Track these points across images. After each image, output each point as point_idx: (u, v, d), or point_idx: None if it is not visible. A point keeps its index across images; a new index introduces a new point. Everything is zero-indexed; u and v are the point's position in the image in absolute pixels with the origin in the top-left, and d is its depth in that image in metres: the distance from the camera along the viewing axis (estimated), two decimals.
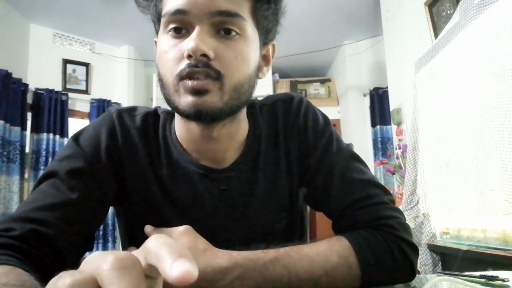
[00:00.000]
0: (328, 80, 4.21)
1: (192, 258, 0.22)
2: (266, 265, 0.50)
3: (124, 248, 0.65)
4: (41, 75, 3.23)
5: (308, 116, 0.66)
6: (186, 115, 0.53)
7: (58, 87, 3.30)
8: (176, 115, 0.62)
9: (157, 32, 0.60)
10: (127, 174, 0.60)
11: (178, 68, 0.52)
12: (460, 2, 1.60)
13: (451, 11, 1.87)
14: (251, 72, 0.57)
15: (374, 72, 3.58)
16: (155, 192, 0.60)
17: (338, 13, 3.19)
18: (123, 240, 0.68)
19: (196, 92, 0.51)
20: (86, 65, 3.54)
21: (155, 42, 0.61)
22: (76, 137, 0.60)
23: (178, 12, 0.52)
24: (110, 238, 3.36)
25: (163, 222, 0.58)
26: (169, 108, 0.59)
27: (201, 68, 0.50)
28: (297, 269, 0.51)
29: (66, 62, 3.44)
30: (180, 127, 0.62)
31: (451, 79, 1.69)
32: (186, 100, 0.52)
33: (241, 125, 0.63)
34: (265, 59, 0.63)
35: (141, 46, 3.70)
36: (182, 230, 0.53)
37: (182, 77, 0.51)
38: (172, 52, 0.53)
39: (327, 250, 0.54)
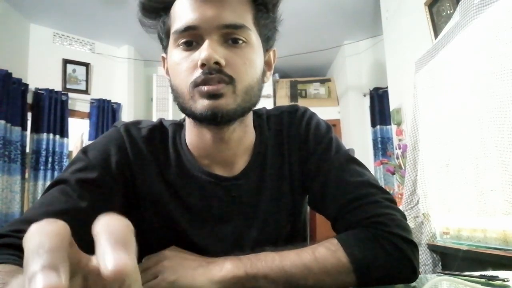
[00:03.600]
0: (328, 80, 4.21)
1: (132, 245, 0.21)
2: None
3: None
4: (41, 75, 3.23)
5: (310, 125, 0.69)
6: (203, 118, 0.56)
7: (58, 87, 3.30)
8: (188, 123, 0.64)
9: (164, 48, 0.63)
10: (139, 185, 0.62)
11: (192, 76, 0.55)
12: (460, 2, 1.59)
13: (451, 11, 1.87)
14: (259, 76, 0.60)
15: (374, 72, 3.58)
16: (167, 200, 0.62)
17: (338, 13, 3.18)
18: None
19: (211, 96, 0.54)
20: (86, 65, 3.54)
21: (163, 58, 0.64)
22: (85, 151, 0.61)
23: (189, 29, 0.55)
24: None
25: (176, 226, 0.60)
26: (175, 119, 0.62)
27: (215, 75, 0.54)
28: (283, 263, 0.53)
29: (66, 62, 3.44)
30: (192, 135, 0.64)
31: (451, 79, 1.69)
32: (202, 104, 0.55)
33: (248, 130, 0.66)
34: (267, 64, 0.66)
35: (141, 46, 3.70)
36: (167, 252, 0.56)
37: (197, 84, 0.55)
38: (185, 63, 0.56)
39: (314, 245, 0.56)
